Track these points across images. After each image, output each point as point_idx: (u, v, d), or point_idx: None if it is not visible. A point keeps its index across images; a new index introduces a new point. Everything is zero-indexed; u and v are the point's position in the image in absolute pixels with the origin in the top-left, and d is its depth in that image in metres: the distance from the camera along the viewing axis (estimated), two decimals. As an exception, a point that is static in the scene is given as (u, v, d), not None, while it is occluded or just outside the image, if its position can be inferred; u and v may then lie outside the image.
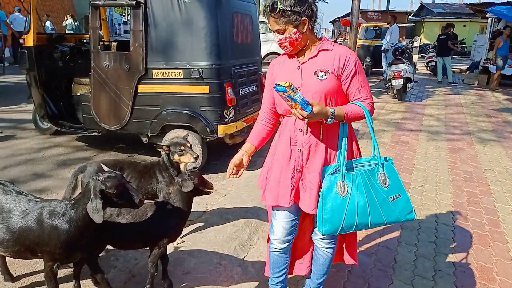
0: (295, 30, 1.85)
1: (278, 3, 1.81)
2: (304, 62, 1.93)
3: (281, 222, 2.07)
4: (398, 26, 12.68)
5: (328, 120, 1.82)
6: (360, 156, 2.03)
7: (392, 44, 11.50)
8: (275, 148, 2.07)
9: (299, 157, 1.94)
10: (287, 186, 1.97)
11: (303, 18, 1.84)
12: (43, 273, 2.13)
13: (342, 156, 1.90)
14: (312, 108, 1.73)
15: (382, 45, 12.00)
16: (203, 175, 2.36)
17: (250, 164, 2.39)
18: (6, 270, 2.52)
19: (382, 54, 12.14)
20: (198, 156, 3.03)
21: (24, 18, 13.50)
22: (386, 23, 13.40)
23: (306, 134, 1.92)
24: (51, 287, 2.10)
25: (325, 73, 1.86)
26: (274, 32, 1.92)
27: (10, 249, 2.07)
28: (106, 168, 2.10)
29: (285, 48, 1.92)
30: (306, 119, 1.80)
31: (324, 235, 1.94)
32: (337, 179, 1.87)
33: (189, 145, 3.04)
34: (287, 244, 2.11)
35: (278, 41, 1.90)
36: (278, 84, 1.70)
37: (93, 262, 2.24)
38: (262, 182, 2.12)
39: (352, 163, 1.94)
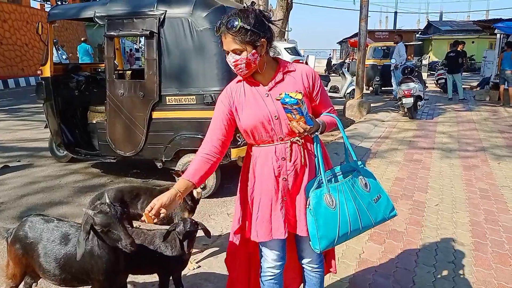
0: (254, 51, 1.75)
1: (239, 20, 1.72)
2: (271, 88, 1.85)
3: (274, 251, 2.02)
4: (405, 44, 12.80)
5: (317, 131, 1.83)
6: (331, 166, 2.02)
7: (402, 62, 11.59)
8: (250, 182, 1.97)
9: (285, 186, 1.89)
10: (280, 217, 1.90)
11: (262, 40, 1.77)
12: None
13: (322, 170, 1.86)
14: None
15: (390, 64, 12.08)
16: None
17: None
18: None
19: (392, 73, 12.23)
20: (205, 187, 3.03)
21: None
22: (393, 43, 13.52)
23: (290, 161, 1.86)
24: None
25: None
26: (227, 53, 1.80)
27: (58, 277, 2.11)
28: (107, 200, 1.99)
29: (240, 70, 1.80)
30: (302, 134, 1.78)
31: (321, 251, 1.88)
32: (322, 192, 1.83)
33: None
34: (280, 270, 2.08)
35: (234, 62, 1.77)
36: (288, 95, 1.66)
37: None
38: (238, 220, 2.02)
39: (330, 173, 1.92)
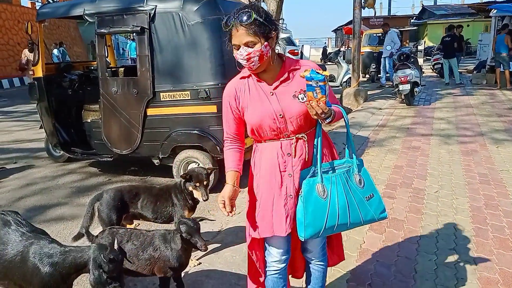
0: (266, 43, 1.75)
1: (252, 13, 1.72)
2: (276, 87, 1.85)
3: (278, 245, 2.02)
4: (400, 30, 12.78)
5: (329, 118, 1.77)
6: (337, 158, 2.01)
7: (397, 48, 11.60)
8: (256, 177, 2.00)
9: (291, 182, 1.89)
10: (282, 214, 1.89)
11: (273, 32, 1.78)
12: None
13: (319, 160, 1.86)
14: None
15: (392, 53, 12.08)
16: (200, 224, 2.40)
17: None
18: None
19: (383, 60, 12.29)
20: (208, 199, 3.01)
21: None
22: (382, 32, 13.44)
23: (295, 157, 1.87)
24: None
25: (304, 94, 1.78)
26: (239, 48, 1.76)
27: (1, 282, 2.10)
28: (116, 245, 2.07)
29: (253, 63, 1.76)
30: (319, 116, 1.73)
31: (306, 239, 1.87)
32: (316, 182, 1.84)
33: (205, 182, 3.01)
34: (285, 264, 2.08)
35: (247, 54, 1.73)
36: (314, 71, 1.66)
37: None
38: (249, 222, 2.02)
39: (328, 165, 1.91)
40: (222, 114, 1.98)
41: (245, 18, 1.71)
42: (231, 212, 1.90)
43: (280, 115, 1.83)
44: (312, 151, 1.90)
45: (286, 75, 1.85)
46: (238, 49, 1.77)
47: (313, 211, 1.81)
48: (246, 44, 1.74)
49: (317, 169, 1.86)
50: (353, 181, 1.90)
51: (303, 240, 1.91)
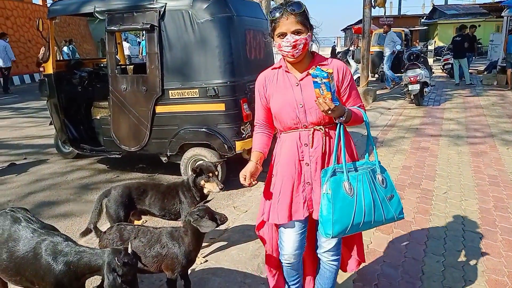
0: (309, 33, 1.89)
1: (303, 4, 1.87)
2: (302, 79, 1.95)
3: (291, 236, 2.06)
4: (410, 30, 12.71)
5: (342, 117, 1.86)
6: (358, 160, 2.07)
7: (398, 47, 11.65)
8: (276, 166, 2.09)
9: (308, 170, 1.98)
10: (300, 200, 1.99)
11: (312, 27, 1.94)
12: None
13: (343, 158, 1.92)
14: None
15: (388, 51, 12.07)
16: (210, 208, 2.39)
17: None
18: None
19: (387, 57, 12.22)
20: (223, 187, 3.03)
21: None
22: (383, 32, 13.36)
23: (312, 147, 1.95)
24: None
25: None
26: (282, 36, 1.86)
27: (13, 278, 2.12)
28: (130, 250, 2.05)
29: (297, 51, 1.87)
30: (327, 113, 1.80)
31: (333, 237, 1.90)
32: (342, 179, 1.89)
33: (217, 173, 3.06)
34: (298, 259, 2.12)
35: (294, 41, 1.84)
36: (319, 69, 1.72)
37: None
38: (265, 206, 2.11)
39: (350, 166, 1.97)
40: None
41: (297, 7, 1.85)
42: (250, 184, 2.01)
43: (301, 105, 1.92)
44: (331, 145, 1.96)
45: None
46: (283, 37, 1.86)
47: (340, 208, 1.85)
48: (294, 32, 1.85)
49: (339, 168, 1.92)
50: (376, 180, 1.97)
51: (330, 238, 1.94)
